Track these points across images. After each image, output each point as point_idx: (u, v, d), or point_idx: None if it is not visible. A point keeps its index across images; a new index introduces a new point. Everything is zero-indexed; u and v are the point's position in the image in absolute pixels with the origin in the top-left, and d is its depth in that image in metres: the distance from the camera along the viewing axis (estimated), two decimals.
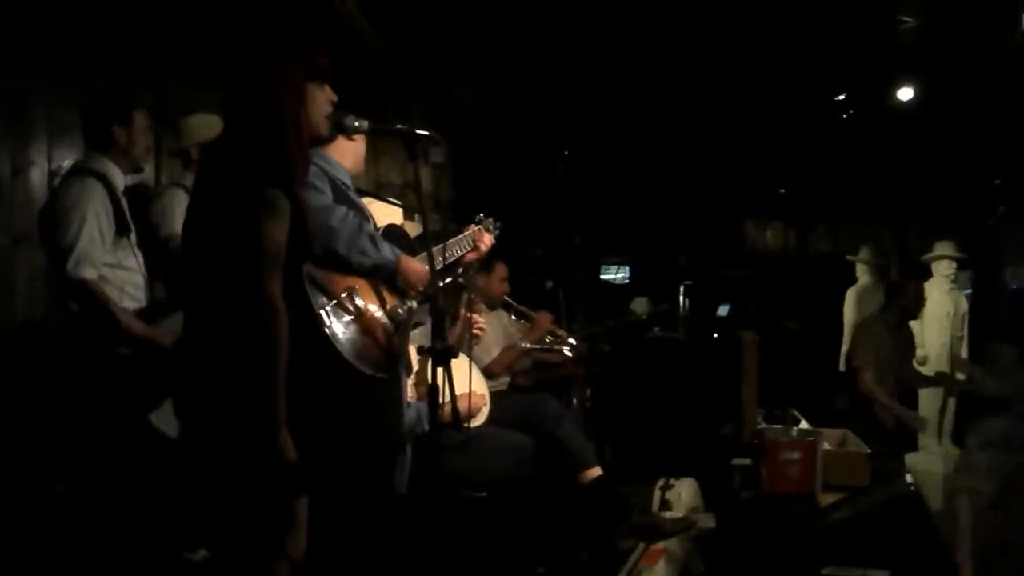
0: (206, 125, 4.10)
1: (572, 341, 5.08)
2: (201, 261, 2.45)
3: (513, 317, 5.04)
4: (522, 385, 4.94)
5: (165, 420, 3.41)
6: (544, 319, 4.91)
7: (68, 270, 3.47)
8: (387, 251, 2.95)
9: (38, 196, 4.53)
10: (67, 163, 4.59)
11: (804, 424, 4.53)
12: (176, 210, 3.94)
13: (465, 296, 4.00)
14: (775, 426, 4.27)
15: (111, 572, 3.38)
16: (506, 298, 4.96)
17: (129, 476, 3.46)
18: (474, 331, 4.12)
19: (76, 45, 4.53)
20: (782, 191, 9.57)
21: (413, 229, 3.56)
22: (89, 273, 3.50)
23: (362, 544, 3.03)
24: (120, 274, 3.66)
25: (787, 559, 3.43)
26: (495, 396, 4.26)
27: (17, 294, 4.41)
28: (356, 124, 2.75)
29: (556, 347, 4.98)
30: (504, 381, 4.75)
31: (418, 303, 3.01)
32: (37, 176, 4.55)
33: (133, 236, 3.72)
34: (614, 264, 10.27)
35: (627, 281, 10.39)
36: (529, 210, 7.25)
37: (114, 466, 3.48)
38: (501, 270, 4.90)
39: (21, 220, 4.46)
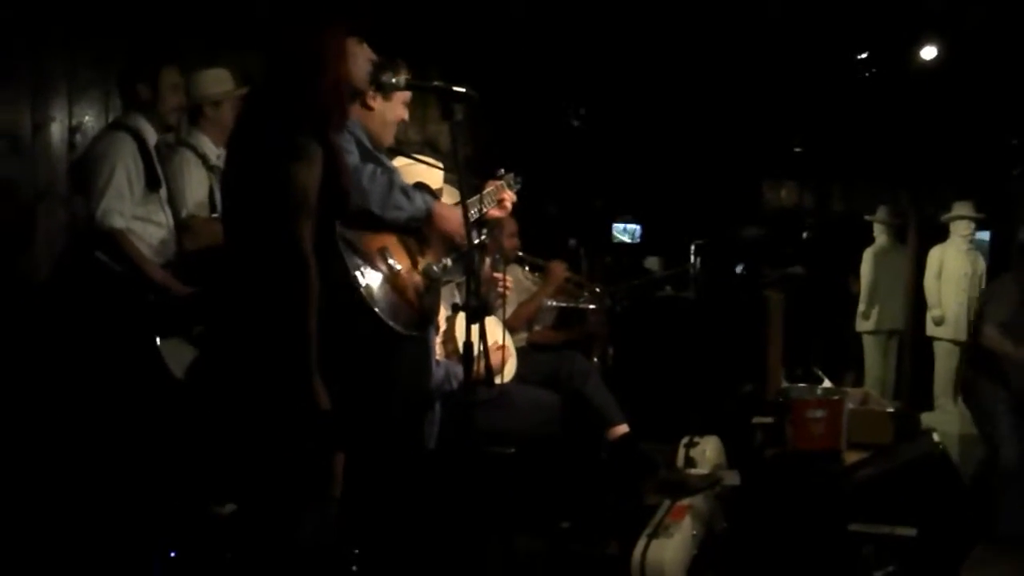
0: (217, 80, 4.09)
1: (597, 290, 5.08)
2: (235, 207, 2.48)
3: (527, 269, 5.03)
4: (541, 343, 4.94)
5: (173, 357, 3.45)
6: (558, 268, 4.88)
7: (96, 220, 3.56)
8: (420, 201, 2.95)
9: (58, 152, 4.52)
10: (87, 119, 4.59)
11: (827, 383, 4.54)
12: (185, 174, 3.94)
13: (488, 254, 4.01)
14: (801, 385, 4.29)
15: (138, 527, 3.40)
16: (519, 253, 4.94)
17: (154, 429, 3.48)
18: (500, 289, 4.12)
19: (94, 4, 4.50)
20: (797, 150, 9.51)
21: (450, 194, 3.53)
22: (118, 223, 3.58)
23: (391, 498, 3.05)
24: (149, 228, 3.72)
25: (814, 516, 3.45)
26: (518, 352, 4.28)
27: (38, 249, 4.41)
28: (393, 81, 2.73)
29: (582, 304, 4.97)
30: (522, 336, 4.75)
31: (452, 260, 3.00)
32: (57, 132, 4.54)
33: (164, 192, 3.76)
34: (624, 223, 10.23)
35: (639, 240, 10.36)
36: (543, 168, 7.23)
37: (138, 420, 3.51)
38: (511, 225, 4.84)
39: (42, 176, 4.45)
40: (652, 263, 9.25)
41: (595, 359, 4.97)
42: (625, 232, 10.07)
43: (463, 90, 2.72)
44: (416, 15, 5.81)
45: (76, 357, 3.69)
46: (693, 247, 9.64)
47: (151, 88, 3.78)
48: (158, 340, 3.51)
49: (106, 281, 3.62)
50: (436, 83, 2.78)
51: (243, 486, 2.77)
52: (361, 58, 2.53)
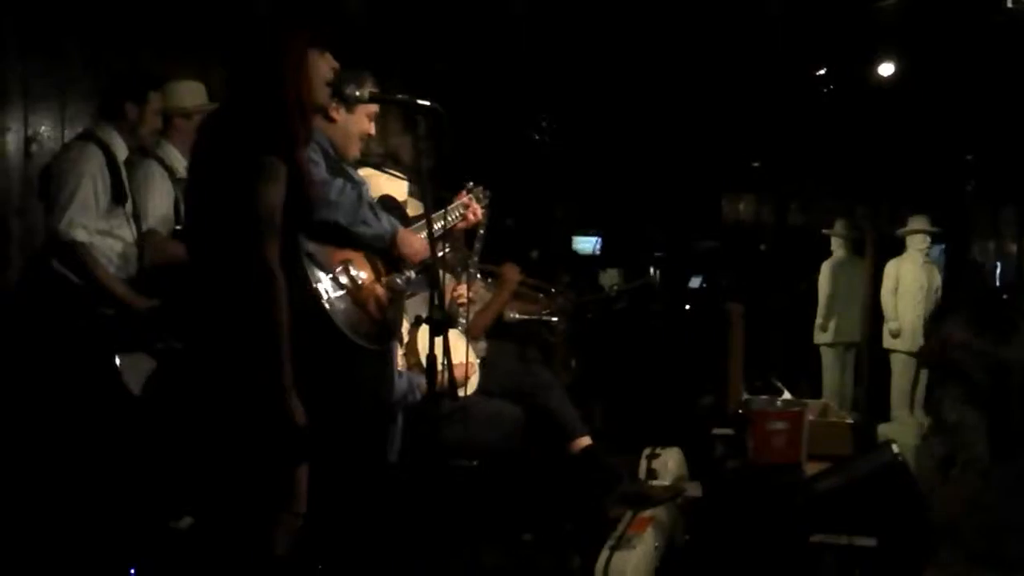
0: (188, 92, 4.06)
1: (552, 290, 5.09)
2: (200, 226, 2.45)
3: (479, 276, 5.00)
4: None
5: (131, 372, 3.42)
6: (511, 271, 4.85)
7: (60, 230, 3.51)
8: (385, 222, 2.95)
9: (14, 163, 4.47)
10: (44, 129, 4.54)
11: (787, 395, 4.57)
12: (149, 187, 3.89)
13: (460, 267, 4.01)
14: (761, 397, 4.32)
15: (95, 542, 3.35)
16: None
17: (110, 443, 3.44)
18: (460, 303, 4.12)
19: (49, 14, 4.46)
20: (755, 164, 9.59)
21: (415, 207, 3.53)
22: (80, 235, 3.52)
23: (353, 513, 3.03)
24: (110, 242, 3.67)
25: (774, 528, 3.47)
26: (480, 364, 4.27)
27: None
28: (357, 93, 2.72)
29: (544, 317, 4.97)
30: (482, 347, 4.74)
31: (416, 273, 2.99)
32: (13, 142, 4.49)
33: (129, 206, 3.73)
34: (583, 236, 10.25)
35: (598, 252, 10.38)
36: (502, 180, 7.22)
37: (94, 433, 3.46)
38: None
39: None
40: (612, 276, 9.27)
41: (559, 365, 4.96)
42: (586, 245, 10.09)
43: (427, 103, 2.72)
44: (380, 28, 5.81)
45: (31, 369, 3.64)
46: (654, 259, 9.71)
47: (139, 108, 3.76)
48: (117, 358, 3.47)
49: (63, 293, 3.56)
50: (400, 96, 2.77)
51: (210, 501, 2.74)
52: (323, 70, 2.51)
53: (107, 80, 3.91)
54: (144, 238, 3.81)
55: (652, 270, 9.28)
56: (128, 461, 3.39)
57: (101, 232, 3.61)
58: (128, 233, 3.72)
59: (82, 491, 3.44)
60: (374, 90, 2.90)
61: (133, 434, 3.38)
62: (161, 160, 3.95)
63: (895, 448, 3.48)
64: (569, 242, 9.84)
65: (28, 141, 4.51)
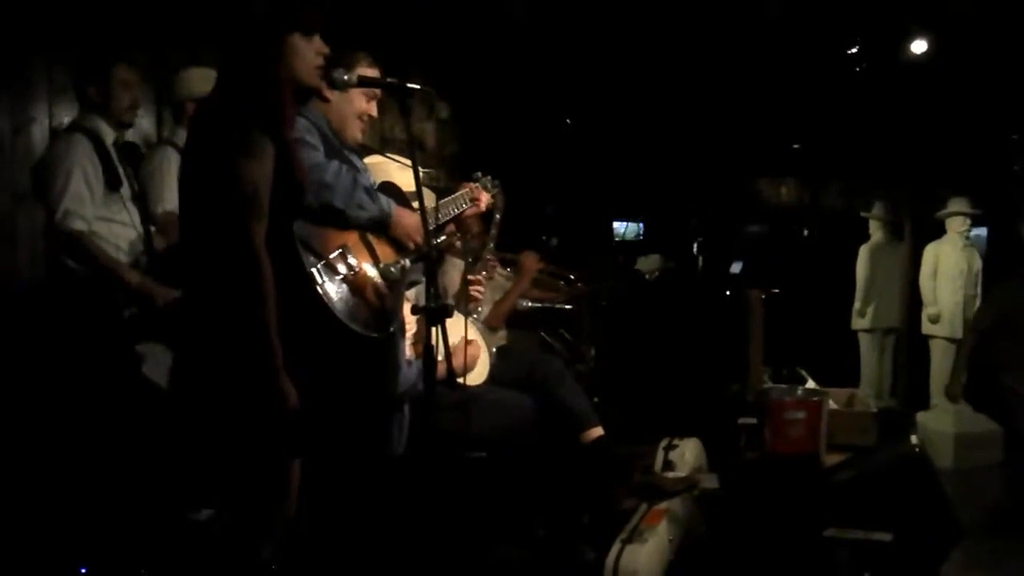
0: (203, 79, 4.06)
1: (571, 276, 5.04)
2: (189, 205, 2.48)
3: (500, 265, 4.97)
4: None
5: (154, 369, 3.43)
6: (529, 259, 4.82)
7: (56, 223, 3.53)
8: (383, 203, 2.92)
9: (39, 154, 4.50)
10: (67, 120, 4.57)
11: (811, 383, 4.47)
12: (165, 171, 3.91)
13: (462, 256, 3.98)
14: (780, 385, 4.23)
15: (114, 535, 3.37)
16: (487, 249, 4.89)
17: (131, 436, 3.45)
18: (472, 293, 4.09)
19: (74, 5, 4.49)
20: (795, 147, 9.44)
21: (429, 196, 3.50)
22: (78, 225, 3.54)
23: (359, 505, 3.01)
24: (114, 228, 3.69)
25: (789, 521, 3.39)
26: (498, 352, 4.24)
27: (19, 252, 4.40)
28: (345, 77, 2.69)
29: (558, 305, 4.93)
30: (502, 335, 4.71)
31: (412, 261, 2.96)
32: (38, 134, 4.53)
33: (126, 190, 3.72)
34: (624, 221, 10.18)
35: (640, 238, 10.31)
36: (540, 167, 7.18)
37: (115, 425, 3.47)
38: (475, 225, 4.76)
39: (23, 178, 4.43)
40: (654, 261, 9.18)
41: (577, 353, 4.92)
42: (619, 229, 10.03)
43: (417, 86, 2.69)
44: (409, 14, 5.79)
45: (49, 365, 3.66)
46: (696, 245, 9.62)
47: (102, 89, 3.73)
48: (138, 348, 3.48)
49: (76, 287, 3.58)
50: (390, 79, 2.74)
51: (218, 491, 2.74)
52: (309, 54, 2.49)
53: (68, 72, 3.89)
54: (161, 220, 3.82)
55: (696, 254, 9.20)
56: (148, 453, 3.40)
57: (101, 219, 3.63)
58: (128, 218, 3.72)
59: (102, 484, 3.47)
60: (364, 73, 2.86)
61: (154, 426, 3.39)
62: (177, 146, 3.96)
63: (914, 440, 3.38)
64: (604, 227, 9.80)
65: (53, 132, 4.55)
